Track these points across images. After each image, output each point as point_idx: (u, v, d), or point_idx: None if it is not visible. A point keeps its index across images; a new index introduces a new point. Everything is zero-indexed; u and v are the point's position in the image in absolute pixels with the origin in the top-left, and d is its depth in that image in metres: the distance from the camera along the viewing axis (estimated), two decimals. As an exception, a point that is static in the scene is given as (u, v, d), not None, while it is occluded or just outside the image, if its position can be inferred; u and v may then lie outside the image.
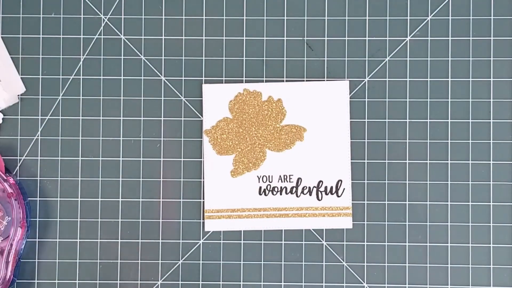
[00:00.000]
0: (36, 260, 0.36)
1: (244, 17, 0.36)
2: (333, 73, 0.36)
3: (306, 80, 0.36)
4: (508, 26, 0.36)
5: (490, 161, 0.36)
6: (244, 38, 0.36)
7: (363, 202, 0.36)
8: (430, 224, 0.36)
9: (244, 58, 0.36)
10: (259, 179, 0.36)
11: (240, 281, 0.36)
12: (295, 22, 0.36)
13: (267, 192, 0.36)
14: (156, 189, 0.36)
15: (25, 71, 0.36)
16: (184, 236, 0.36)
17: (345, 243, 0.36)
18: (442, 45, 0.36)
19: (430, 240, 0.36)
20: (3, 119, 0.36)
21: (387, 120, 0.36)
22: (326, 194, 0.36)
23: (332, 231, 0.36)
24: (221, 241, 0.36)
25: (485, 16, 0.36)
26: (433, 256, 0.36)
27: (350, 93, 0.36)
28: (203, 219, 0.36)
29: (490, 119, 0.36)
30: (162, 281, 0.36)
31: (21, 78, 0.36)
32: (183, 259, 0.36)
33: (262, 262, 0.36)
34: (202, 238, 0.36)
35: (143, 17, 0.36)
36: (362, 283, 0.35)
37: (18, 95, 0.36)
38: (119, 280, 0.36)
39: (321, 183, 0.36)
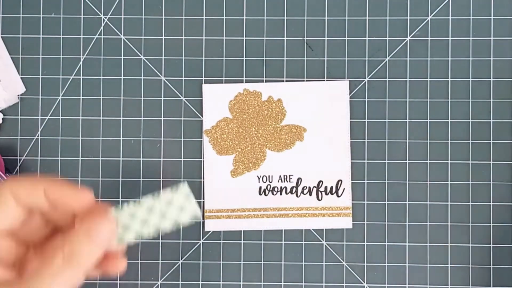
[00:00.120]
0: (36, 260, 0.36)
1: (244, 17, 0.36)
2: (333, 73, 0.36)
3: (306, 80, 0.36)
4: (508, 26, 0.36)
5: (490, 161, 0.36)
6: (244, 38, 0.36)
7: (363, 202, 0.36)
8: (430, 224, 0.36)
9: (244, 58, 0.36)
10: (259, 179, 0.36)
11: (240, 281, 0.36)
12: (295, 22, 0.36)
13: (267, 192, 0.36)
14: (156, 189, 0.36)
15: (25, 71, 0.36)
16: (184, 236, 0.36)
17: (345, 243, 0.36)
18: (442, 45, 0.36)
19: (430, 240, 0.36)
20: (3, 119, 0.36)
21: (387, 120, 0.36)
22: (326, 194, 0.36)
23: (332, 231, 0.36)
24: (221, 241, 0.36)
25: (485, 16, 0.36)
26: (433, 256, 0.36)
27: (350, 93, 0.36)
28: (203, 219, 0.36)
29: (490, 119, 0.36)
30: (162, 281, 0.36)
31: (21, 78, 0.36)
32: (183, 259, 0.36)
33: (262, 262, 0.36)
34: (202, 238, 0.36)
35: (143, 17, 0.36)
36: (362, 283, 0.35)
37: (18, 95, 0.36)
38: (119, 280, 0.36)
39: (321, 183, 0.36)
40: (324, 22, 0.36)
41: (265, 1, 0.36)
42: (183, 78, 0.36)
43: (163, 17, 0.36)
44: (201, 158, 0.36)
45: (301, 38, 0.36)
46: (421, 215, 0.36)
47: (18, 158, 0.36)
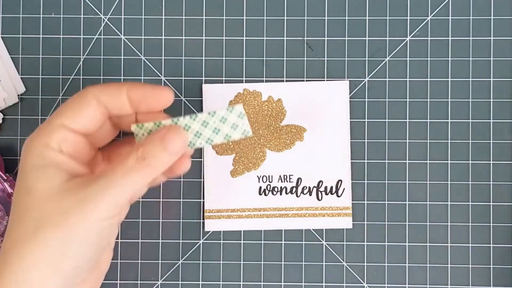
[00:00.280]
0: (36, 260, 0.35)
1: (244, 17, 0.36)
2: (333, 73, 0.36)
3: (306, 80, 0.36)
4: (508, 26, 0.36)
5: (490, 161, 0.36)
6: (244, 38, 0.36)
7: (363, 202, 0.36)
8: (430, 224, 0.36)
9: (244, 58, 0.36)
10: (259, 179, 0.36)
11: (240, 281, 0.36)
12: (295, 22, 0.36)
13: (267, 192, 0.36)
14: (156, 189, 0.36)
15: (25, 71, 0.36)
16: (184, 236, 0.36)
17: (345, 243, 0.36)
18: (442, 45, 0.36)
19: (430, 240, 0.36)
20: (3, 119, 0.36)
21: (387, 120, 0.36)
22: (326, 194, 0.36)
23: (332, 231, 0.36)
24: (221, 241, 0.36)
25: (485, 16, 0.36)
26: (433, 256, 0.36)
27: (350, 93, 0.36)
28: (203, 219, 0.36)
29: (490, 119, 0.36)
30: (162, 281, 0.36)
31: (21, 78, 0.36)
32: (183, 259, 0.36)
33: (262, 262, 0.36)
34: (202, 238, 0.36)
35: (143, 17, 0.36)
36: (362, 283, 0.35)
37: (18, 95, 0.36)
38: (119, 280, 0.36)
39: (321, 183, 0.36)
40: (324, 22, 0.36)
41: (265, 1, 0.36)
42: (183, 78, 0.36)
43: (163, 17, 0.36)
44: (201, 158, 0.36)
45: (301, 38, 0.36)
46: (421, 215, 0.36)
47: (18, 158, 0.36)
